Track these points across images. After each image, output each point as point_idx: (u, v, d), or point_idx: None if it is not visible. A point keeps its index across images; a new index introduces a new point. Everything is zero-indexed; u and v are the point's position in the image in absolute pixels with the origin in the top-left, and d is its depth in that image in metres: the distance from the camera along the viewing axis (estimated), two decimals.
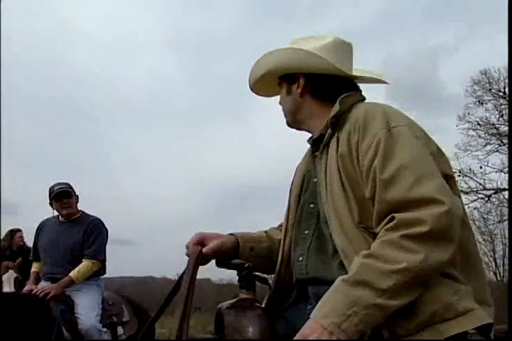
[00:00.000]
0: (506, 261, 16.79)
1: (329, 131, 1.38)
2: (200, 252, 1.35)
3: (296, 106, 1.52)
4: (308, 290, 1.39)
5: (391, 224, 1.14)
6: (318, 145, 1.46)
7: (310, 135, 1.56)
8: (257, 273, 1.41)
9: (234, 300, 1.35)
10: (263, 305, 1.45)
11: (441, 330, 1.11)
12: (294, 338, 1.09)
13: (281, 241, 1.50)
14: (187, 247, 1.43)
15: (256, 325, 1.21)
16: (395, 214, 1.15)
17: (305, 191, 1.49)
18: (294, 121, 1.56)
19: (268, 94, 1.68)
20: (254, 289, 1.36)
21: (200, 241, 1.43)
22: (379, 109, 1.33)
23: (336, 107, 1.39)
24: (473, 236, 1.32)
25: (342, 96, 1.42)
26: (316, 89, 1.49)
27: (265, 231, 1.62)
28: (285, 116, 1.58)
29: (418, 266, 1.08)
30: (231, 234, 1.52)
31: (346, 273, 1.18)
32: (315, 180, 1.45)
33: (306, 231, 1.41)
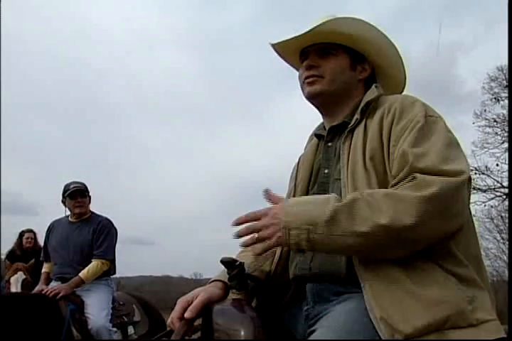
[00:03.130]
0: None
1: (357, 117, 1.34)
2: (185, 331, 1.21)
3: (350, 85, 1.44)
4: (307, 288, 1.31)
5: (412, 183, 1.12)
6: (335, 134, 1.43)
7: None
8: (250, 271, 1.34)
9: (224, 301, 1.28)
10: (253, 304, 1.38)
11: (450, 337, 1.05)
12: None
13: None
14: (172, 323, 1.26)
15: (248, 329, 1.12)
16: (417, 174, 1.12)
17: (313, 183, 1.42)
18: (333, 95, 1.42)
19: (288, 56, 1.55)
20: (246, 289, 1.27)
21: (186, 309, 1.26)
22: (416, 98, 1.33)
23: (374, 92, 1.37)
24: (478, 243, 1.28)
25: (375, 84, 1.41)
26: (371, 82, 1.46)
27: (255, 257, 1.43)
28: (329, 83, 1.41)
29: (400, 229, 1.07)
30: (216, 281, 1.36)
31: (353, 271, 1.16)
32: (326, 171, 1.39)
33: None
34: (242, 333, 1.11)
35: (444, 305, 1.07)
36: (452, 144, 1.22)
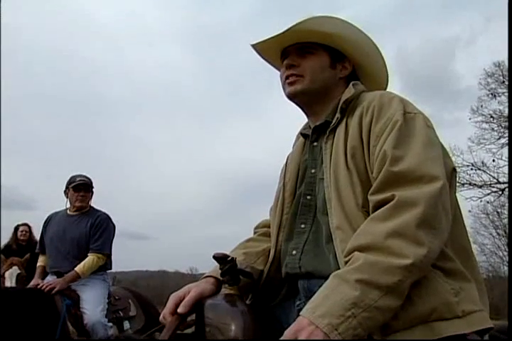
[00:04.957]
0: None
1: (338, 115, 1.35)
2: (176, 325, 1.21)
3: (330, 83, 1.44)
4: (299, 285, 1.32)
5: (392, 203, 1.10)
6: (319, 133, 1.43)
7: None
8: (241, 268, 1.32)
9: (216, 295, 1.27)
10: (248, 302, 1.39)
11: (436, 329, 1.05)
12: (284, 335, 1.01)
13: (274, 237, 1.43)
14: (164, 318, 1.25)
15: (239, 323, 1.11)
16: (395, 193, 1.10)
17: (301, 183, 1.43)
18: (314, 94, 1.43)
19: (270, 56, 1.55)
20: (238, 284, 1.27)
21: (178, 305, 1.25)
22: (394, 95, 1.32)
23: (350, 91, 1.37)
24: (467, 235, 1.28)
25: (352, 82, 1.41)
26: (353, 80, 1.45)
27: (245, 254, 1.45)
28: (309, 82, 1.41)
29: (424, 261, 1.04)
30: (208, 277, 1.36)
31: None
32: (313, 170, 1.40)
33: (303, 225, 1.35)
34: (233, 327, 1.11)
35: (430, 298, 1.08)
36: (430, 143, 1.21)
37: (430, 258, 1.07)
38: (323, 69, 1.44)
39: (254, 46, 1.52)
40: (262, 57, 1.58)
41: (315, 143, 1.44)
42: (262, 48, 1.53)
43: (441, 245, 1.11)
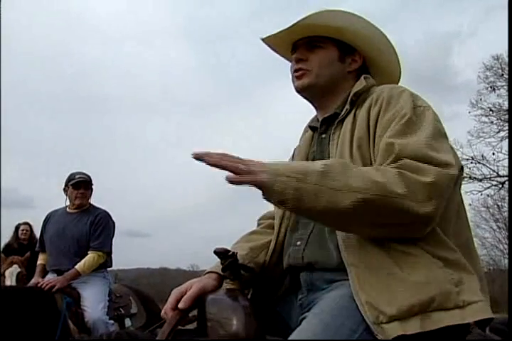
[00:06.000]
0: None
1: (347, 107, 1.35)
2: (177, 320, 1.21)
3: (339, 77, 1.44)
4: (301, 278, 1.31)
5: (397, 163, 1.11)
6: (327, 125, 1.42)
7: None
8: (243, 262, 1.32)
9: (218, 291, 1.27)
10: (249, 296, 1.38)
11: (436, 319, 1.04)
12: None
13: (277, 228, 1.42)
14: (166, 314, 1.25)
15: (241, 318, 1.11)
16: (407, 160, 1.11)
17: None
18: (322, 88, 1.43)
19: (281, 50, 1.56)
20: (239, 279, 1.26)
21: (179, 300, 1.26)
22: (405, 88, 1.32)
23: (361, 83, 1.38)
24: (470, 229, 1.29)
25: (364, 75, 1.41)
26: (364, 73, 1.45)
27: (250, 248, 1.44)
28: (316, 76, 1.42)
29: (387, 196, 1.05)
30: (210, 272, 1.36)
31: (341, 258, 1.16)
32: None
33: None
34: (234, 321, 1.11)
35: (429, 287, 1.07)
36: (440, 135, 1.20)
37: (400, 205, 1.06)
38: (331, 63, 1.44)
39: (264, 40, 1.53)
40: (274, 51, 1.58)
41: (323, 136, 1.43)
42: (272, 42, 1.54)
43: (428, 209, 1.08)
